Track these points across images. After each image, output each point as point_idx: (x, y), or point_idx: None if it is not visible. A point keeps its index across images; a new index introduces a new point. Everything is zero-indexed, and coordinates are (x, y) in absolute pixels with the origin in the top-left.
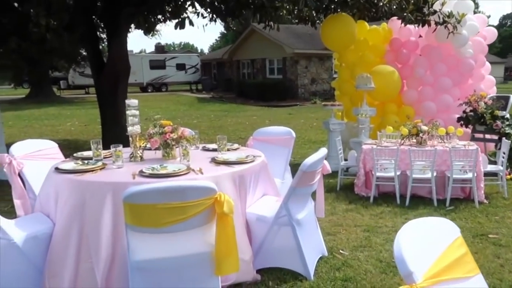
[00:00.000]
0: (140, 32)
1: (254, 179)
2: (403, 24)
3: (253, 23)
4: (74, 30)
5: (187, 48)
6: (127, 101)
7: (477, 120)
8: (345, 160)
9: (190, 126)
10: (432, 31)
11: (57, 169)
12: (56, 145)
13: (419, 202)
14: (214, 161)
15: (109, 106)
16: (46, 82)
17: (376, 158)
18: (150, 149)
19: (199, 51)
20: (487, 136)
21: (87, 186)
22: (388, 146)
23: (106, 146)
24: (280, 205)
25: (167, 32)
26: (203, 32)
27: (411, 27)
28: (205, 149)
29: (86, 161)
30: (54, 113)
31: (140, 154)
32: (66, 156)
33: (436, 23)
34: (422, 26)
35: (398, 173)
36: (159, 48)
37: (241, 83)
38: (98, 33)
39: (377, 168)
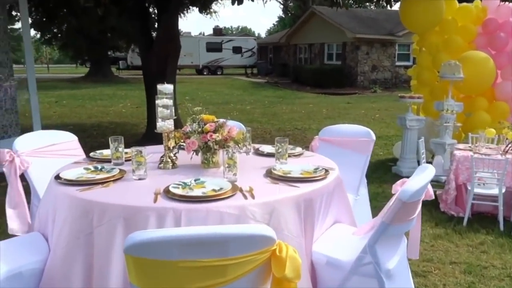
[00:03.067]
0: (199, 14)
1: (326, 203)
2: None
3: (313, 6)
4: (122, 4)
5: (244, 32)
6: (159, 87)
7: None
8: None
9: (243, 113)
10: None
11: (58, 177)
12: (76, 138)
13: None
14: (271, 175)
15: (157, 89)
16: (105, 61)
17: (475, 170)
18: None
19: (256, 35)
20: None
21: (91, 207)
22: (490, 154)
23: (151, 136)
24: (363, 248)
25: (225, 16)
26: (261, 16)
27: None
28: (258, 153)
29: (99, 167)
30: (109, 93)
31: (173, 158)
32: (88, 152)
33: None
34: None
35: (503, 190)
36: (217, 31)
37: (298, 69)
38: (149, 9)
39: (475, 182)
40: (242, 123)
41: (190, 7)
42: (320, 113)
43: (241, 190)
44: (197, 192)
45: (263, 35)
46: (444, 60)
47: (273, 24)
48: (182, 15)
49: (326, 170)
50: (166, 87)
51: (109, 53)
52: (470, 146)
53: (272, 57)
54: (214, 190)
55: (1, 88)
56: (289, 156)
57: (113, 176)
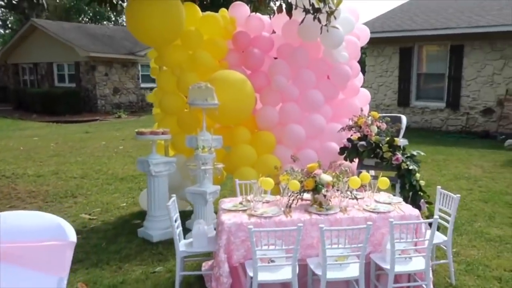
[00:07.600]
0: None
1: None
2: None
3: (32, 19)
4: None
5: None
6: None
7: (371, 152)
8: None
9: None
10: (297, 23)
11: None
12: None
13: None
14: None
15: None
16: None
17: (259, 246)
18: None
19: None
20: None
21: None
22: (271, 216)
23: None
24: None
25: None
26: None
27: (263, 17)
28: None
29: None
30: None
31: None
32: None
33: (306, 11)
34: (288, 13)
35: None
36: None
37: (21, 92)
38: None
39: (258, 265)
40: None
41: None
42: (47, 149)
43: None
44: None
45: None
46: (191, 82)
47: None
48: None
49: None
50: None
51: None
52: (241, 203)
53: None
54: None
55: None
56: None
57: None
